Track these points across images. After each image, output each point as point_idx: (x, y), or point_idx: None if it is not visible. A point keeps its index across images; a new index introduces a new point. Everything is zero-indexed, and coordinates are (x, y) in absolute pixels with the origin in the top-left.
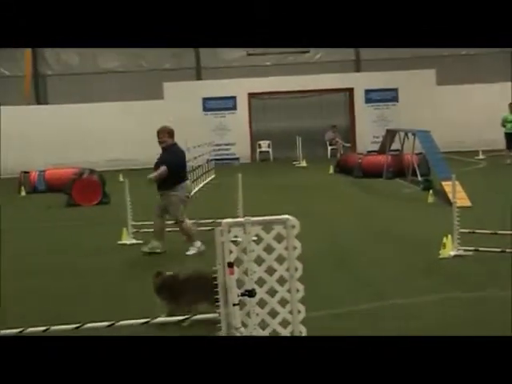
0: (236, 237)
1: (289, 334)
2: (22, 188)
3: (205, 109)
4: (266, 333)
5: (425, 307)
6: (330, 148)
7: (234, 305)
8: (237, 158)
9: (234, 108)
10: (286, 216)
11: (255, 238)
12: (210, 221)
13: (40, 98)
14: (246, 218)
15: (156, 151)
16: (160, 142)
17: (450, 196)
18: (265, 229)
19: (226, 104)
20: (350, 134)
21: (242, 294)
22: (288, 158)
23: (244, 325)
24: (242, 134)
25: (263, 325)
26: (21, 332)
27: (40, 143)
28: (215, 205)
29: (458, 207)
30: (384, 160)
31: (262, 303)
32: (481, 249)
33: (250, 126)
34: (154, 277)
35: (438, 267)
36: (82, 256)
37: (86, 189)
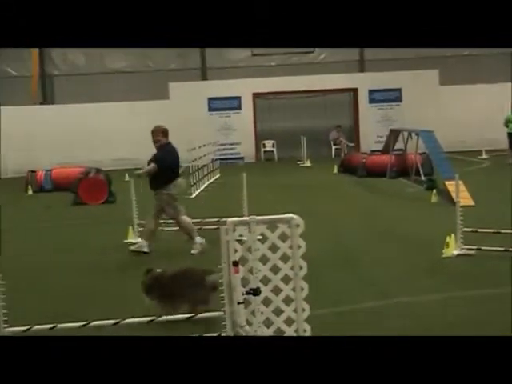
0: (241, 236)
1: (293, 332)
2: (29, 187)
3: (210, 109)
4: (270, 331)
5: (428, 306)
6: (334, 148)
7: (239, 303)
8: (241, 158)
9: (239, 108)
10: (291, 215)
11: (260, 237)
12: (215, 220)
13: (47, 98)
14: (251, 217)
15: None
16: (154, 142)
17: (454, 195)
18: (269, 228)
19: (231, 104)
20: (353, 133)
21: (247, 293)
22: (292, 157)
23: (249, 323)
24: (246, 133)
25: (268, 323)
26: (27, 330)
27: (46, 143)
28: (220, 204)
29: (462, 206)
30: (388, 160)
31: (266, 301)
32: (484, 248)
33: (255, 126)
34: (144, 274)
35: (441, 266)
36: (88, 254)
37: (92, 188)
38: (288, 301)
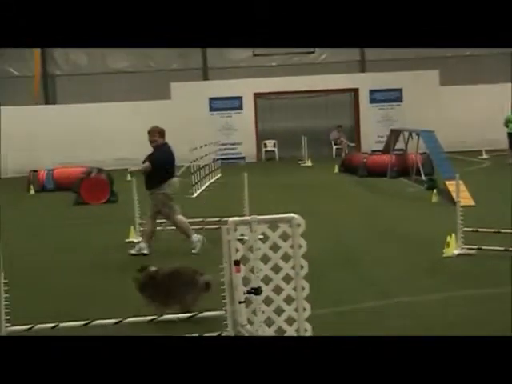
0: (242, 235)
1: (294, 332)
2: (31, 187)
3: (211, 109)
4: (271, 330)
5: (429, 306)
6: (335, 147)
7: (240, 302)
8: (243, 158)
9: (240, 108)
10: (292, 215)
11: (261, 237)
12: (217, 219)
13: (49, 98)
14: (253, 216)
15: None
16: (151, 142)
17: (454, 195)
18: (271, 227)
19: (233, 104)
20: (354, 133)
21: (248, 292)
22: (293, 157)
23: (250, 322)
24: (247, 133)
25: (269, 322)
26: (30, 329)
27: (48, 142)
28: (221, 204)
29: (462, 206)
30: (388, 159)
31: (267, 301)
32: (484, 247)
33: (256, 126)
34: (138, 271)
35: (441, 266)
36: (90, 254)
37: (94, 187)
38: (289, 300)
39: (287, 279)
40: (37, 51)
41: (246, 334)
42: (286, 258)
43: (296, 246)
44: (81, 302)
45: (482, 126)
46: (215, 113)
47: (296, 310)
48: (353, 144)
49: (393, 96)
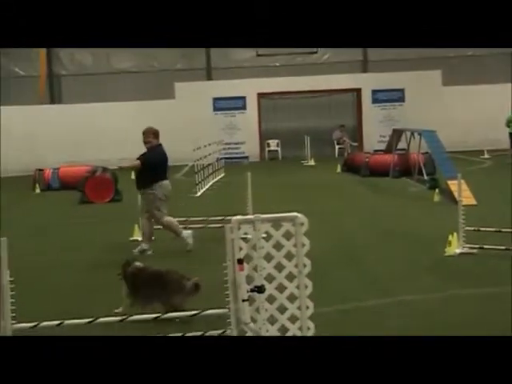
0: (246, 234)
1: (297, 330)
2: (37, 185)
3: (215, 108)
4: (274, 328)
5: (431, 304)
6: (337, 147)
7: (244, 300)
8: (246, 157)
9: (244, 108)
10: (295, 213)
11: (265, 235)
12: (220, 218)
13: (55, 98)
14: (256, 215)
15: (166, 149)
16: (145, 143)
17: (456, 194)
18: (274, 226)
19: (236, 104)
20: (357, 133)
21: (252, 290)
22: (296, 156)
23: (253, 320)
24: (251, 133)
25: (272, 320)
26: (35, 326)
27: (54, 142)
28: (225, 203)
29: (464, 205)
30: (391, 159)
31: (271, 299)
32: (486, 246)
33: (259, 126)
34: (123, 265)
35: (443, 264)
36: (95, 252)
37: (98, 186)
38: (292, 298)
39: (290, 277)
40: (42, 51)
41: (250, 332)
42: (289, 256)
43: (299, 244)
44: (85, 300)
45: (484, 126)
46: (219, 112)
47: (299, 308)
48: (355, 144)
49: (395, 96)
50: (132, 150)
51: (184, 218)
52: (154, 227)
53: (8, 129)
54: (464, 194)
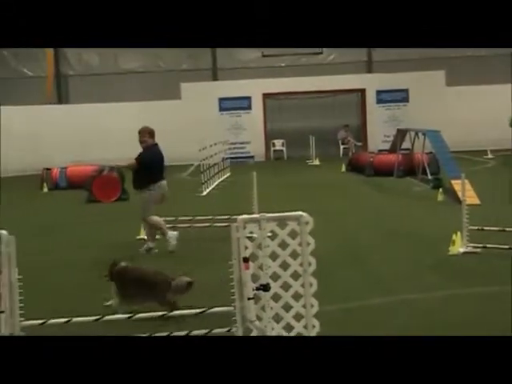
0: (251, 233)
1: (302, 328)
2: (44, 184)
3: (221, 108)
4: (279, 326)
5: (434, 303)
6: (342, 147)
7: (249, 299)
8: (251, 157)
9: (249, 108)
10: (300, 213)
11: (270, 234)
12: (226, 217)
13: (62, 98)
14: (261, 214)
15: (172, 149)
16: (141, 142)
17: (460, 194)
18: (279, 225)
19: (242, 104)
20: (361, 133)
21: (257, 289)
22: (301, 156)
23: (258, 318)
24: (256, 133)
25: (277, 318)
26: (43, 323)
27: (61, 141)
28: (231, 202)
29: (467, 205)
30: (395, 159)
31: (276, 297)
32: (489, 245)
33: (265, 126)
34: (110, 265)
35: (447, 264)
36: (102, 251)
37: (105, 185)
38: (297, 297)
39: (295, 276)
40: (50, 52)
41: (255, 330)
42: (294, 255)
43: (304, 243)
44: (92, 299)
45: (488, 126)
46: (224, 113)
47: (304, 306)
48: (360, 143)
49: (399, 96)
50: (138, 150)
51: (190, 217)
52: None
53: (15, 129)
54: (468, 194)
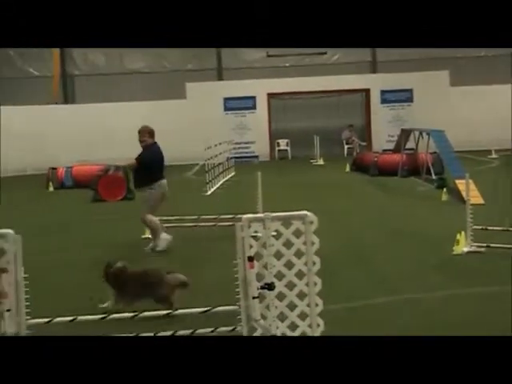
0: (256, 232)
1: (307, 327)
2: (50, 184)
3: (226, 108)
4: (284, 325)
5: (438, 302)
6: (346, 147)
7: (254, 298)
8: (256, 156)
9: (254, 108)
10: (305, 212)
11: (275, 233)
12: (231, 216)
13: (68, 98)
14: (266, 213)
15: (177, 148)
16: (140, 141)
17: (464, 194)
18: (284, 224)
19: (246, 104)
20: (366, 133)
21: (262, 288)
22: (306, 156)
23: (263, 317)
24: (261, 132)
25: (282, 317)
26: (49, 321)
27: (66, 141)
28: (235, 201)
29: (472, 205)
30: (399, 159)
31: (280, 296)
32: (493, 245)
33: (269, 125)
34: (105, 267)
35: (451, 263)
36: (107, 250)
37: (111, 185)
38: (301, 296)
39: (300, 275)
40: (56, 51)
41: (260, 329)
42: (298, 254)
43: (309, 242)
44: (96, 298)
45: (492, 126)
46: (229, 112)
47: (308, 305)
48: (364, 143)
49: (403, 96)
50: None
51: (195, 216)
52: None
53: (21, 128)
54: (472, 194)
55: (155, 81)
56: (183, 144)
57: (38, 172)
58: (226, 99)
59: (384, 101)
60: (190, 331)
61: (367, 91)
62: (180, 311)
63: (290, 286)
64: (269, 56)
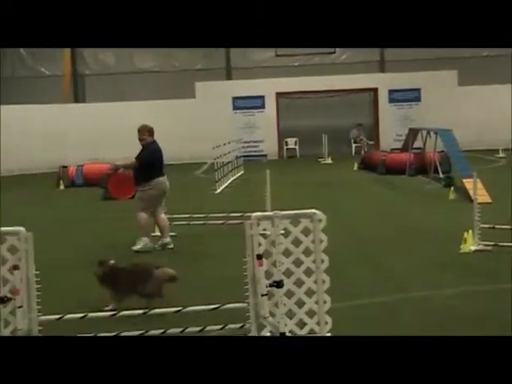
0: (265, 230)
1: (315, 324)
2: (61, 182)
3: (234, 107)
4: (292, 322)
5: (444, 300)
6: (354, 146)
7: (263, 295)
8: (265, 155)
9: (263, 107)
10: (313, 210)
11: (283, 232)
12: (240, 215)
13: (78, 97)
14: (275, 212)
15: (186, 147)
16: (140, 140)
17: (471, 193)
18: (292, 222)
19: (255, 103)
20: (373, 132)
21: (271, 285)
22: (314, 155)
23: (272, 314)
24: (269, 131)
25: (290, 314)
26: (60, 318)
27: (77, 140)
28: (244, 199)
29: (479, 203)
30: (407, 157)
31: (289, 294)
32: (500, 244)
33: (278, 124)
34: (98, 265)
35: (458, 261)
36: (117, 247)
37: (121, 183)
38: (310, 293)
39: (308, 273)
40: (67, 51)
41: (268, 326)
42: (307, 252)
43: (317, 240)
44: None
45: (499, 126)
46: (238, 111)
47: (316, 302)
48: (372, 142)
49: (411, 96)
50: None
51: (204, 215)
52: (153, 222)
53: (33, 127)
54: (479, 192)
55: (165, 80)
56: (192, 143)
57: (49, 170)
58: (235, 98)
59: (392, 100)
60: (200, 328)
61: (375, 90)
62: (189, 308)
63: (299, 283)
64: (277, 55)
